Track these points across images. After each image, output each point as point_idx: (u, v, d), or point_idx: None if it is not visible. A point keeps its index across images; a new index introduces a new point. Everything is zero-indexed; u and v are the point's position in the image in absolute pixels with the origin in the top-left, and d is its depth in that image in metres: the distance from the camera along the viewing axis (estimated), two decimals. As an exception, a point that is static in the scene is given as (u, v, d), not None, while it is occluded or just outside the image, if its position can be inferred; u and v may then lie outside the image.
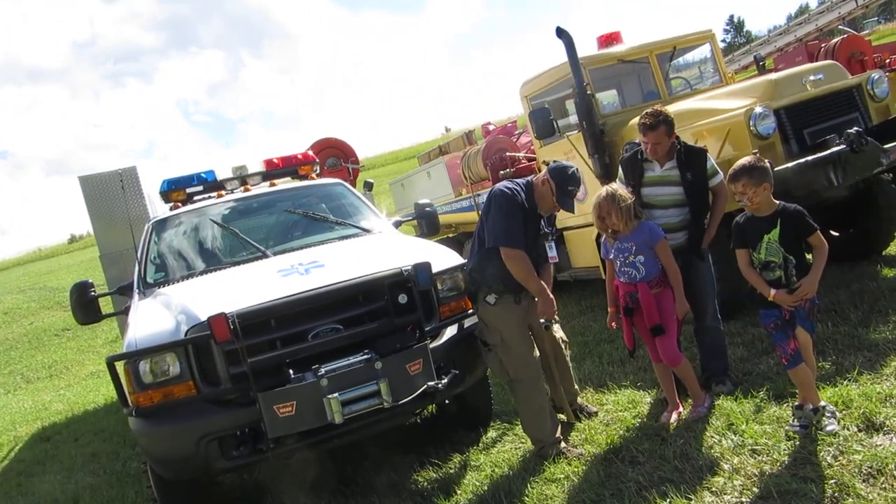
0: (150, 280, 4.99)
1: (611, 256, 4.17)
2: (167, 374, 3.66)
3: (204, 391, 3.66)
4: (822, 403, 3.43)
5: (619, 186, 4.17)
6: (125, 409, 3.72)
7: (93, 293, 5.03)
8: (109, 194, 7.47)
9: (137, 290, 4.90)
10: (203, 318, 3.59)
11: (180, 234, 5.35)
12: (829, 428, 3.29)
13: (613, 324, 4.27)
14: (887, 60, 10.09)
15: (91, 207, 7.56)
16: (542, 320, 4.17)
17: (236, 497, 4.78)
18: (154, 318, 4.03)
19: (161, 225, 5.50)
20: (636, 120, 4.89)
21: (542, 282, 4.05)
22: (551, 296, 4.04)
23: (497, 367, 4.06)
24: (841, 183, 4.95)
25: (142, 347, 3.67)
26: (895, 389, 3.55)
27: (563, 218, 7.69)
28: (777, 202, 3.53)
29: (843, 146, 4.96)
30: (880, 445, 3.08)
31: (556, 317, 4.36)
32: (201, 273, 4.83)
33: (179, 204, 5.89)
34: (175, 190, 5.95)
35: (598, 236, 6.80)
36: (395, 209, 12.55)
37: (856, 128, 5.04)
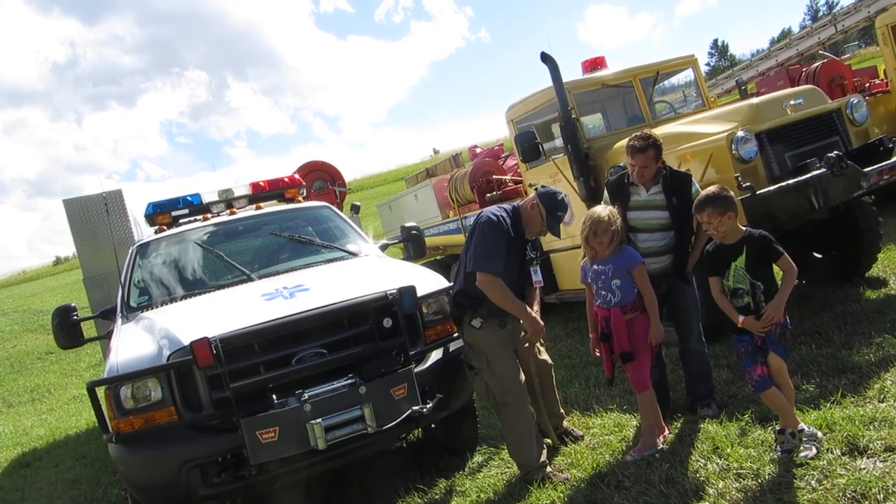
0: (133, 304, 4.95)
1: (588, 280, 4.15)
2: (148, 399, 3.62)
3: (186, 417, 3.62)
4: (801, 427, 3.44)
5: (613, 209, 4.14)
6: (105, 436, 3.68)
7: (75, 317, 4.98)
8: (94, 217, 7.43)
9: (120, 315, 4.86)
10: (185, 342, 3.56)
11: (164, 258, 5.32)
12: (803, 454, 3.29)
13: (597, 351, 4.19)
14: (867, 84, 10.26)
15: (75, 230, 7.52)
16: (525, 345, 4.16)
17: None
18: (136, 342, 3.99)
19: (145, 248, 5.47)
20: (621, 143, 4.94)
21: (526, 304, 4.05)
22: (536, 317, 4.04)
23: (483, 391, 4.04)
24: (822, 206, 5.01)
25: (123, 373, 3.63)
26: (878, 412, 3.56)
27: (549, 241, 7.75)
28: (744, 229, 3.57)
29: (823, 170, 5.03)
30: (864, 469, 3.09)
31: (541, 339, 4.36)
32: (185, 297, 4.80)
33: (164, 227, 5.87)
34: (160, 213, 5.92)
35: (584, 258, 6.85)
36: (382, 231, 12.56)
37: (836, 151, 5.11)
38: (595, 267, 4.05)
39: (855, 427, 3.45)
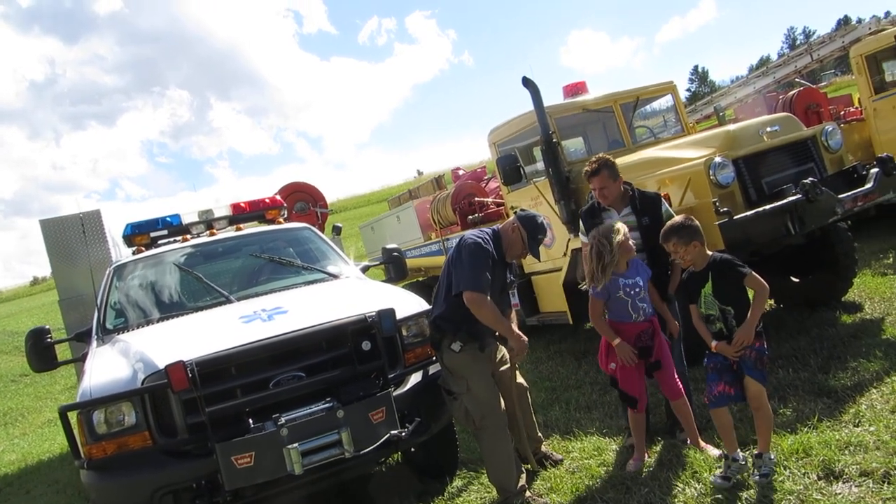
0: (109, 326, 4.88)
1: (618, 295, 4.00)
2: (122, 424, 3.56)
3: (160, 442, 3.56)
4: (735, 455, 3.53)
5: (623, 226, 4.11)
6: (77, 462, 3.60)
7: (49, 339, 4.90)
8: (70, 238, 7.34)
9: (96, 337, 4.79)
10: (160, 366, 3.51)
11: (141, 280, 5.27)
12: (714, 480, 3.45)
13: (612, 366, 4.04)
14: (842, 112, 10.47)
15: (51, 251, 7.41)
16: (503, 367, 4.16)
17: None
18: (110, 365, 3.94)
19: (122, 270, 5.41)
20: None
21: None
22: (523, 336, 4.05)
23: (462, 415, 4.02)
24: (798, 231, 5.07)
25: (96, 396, 3.57)
26: (853, 437, 3.59)
27: (531, 263, 7.79)
28: (710, 255, 3.62)
29: (799, 196, 5.10)
30: (839, 494, 3.10)
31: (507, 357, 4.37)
32: (161, 319, 4.74)
33: (143, 248, 5.81)
34: (139, 234, 5.88)
35: (568, 282, 6.87)
36: (365, 252, 12.54)
37: (811, 178, 5.20)
38: (625, 281, 3.98)
39: (831, 452, 3.47)
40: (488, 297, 3.86)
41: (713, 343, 3.58)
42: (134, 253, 5.87)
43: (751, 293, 3.62)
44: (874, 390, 4.17)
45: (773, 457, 3.48)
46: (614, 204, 4.54)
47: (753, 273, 3.53)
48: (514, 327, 4.15)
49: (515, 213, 4.26)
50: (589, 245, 4.10)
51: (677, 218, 3.73)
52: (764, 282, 3.53)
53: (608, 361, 4.08)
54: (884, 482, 3.11)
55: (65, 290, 7.38)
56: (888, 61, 9.53)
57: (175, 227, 5.98)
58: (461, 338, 3.96)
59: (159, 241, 6.02)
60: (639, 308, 3.99)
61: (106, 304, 5.09)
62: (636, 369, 4.01)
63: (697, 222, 3.70)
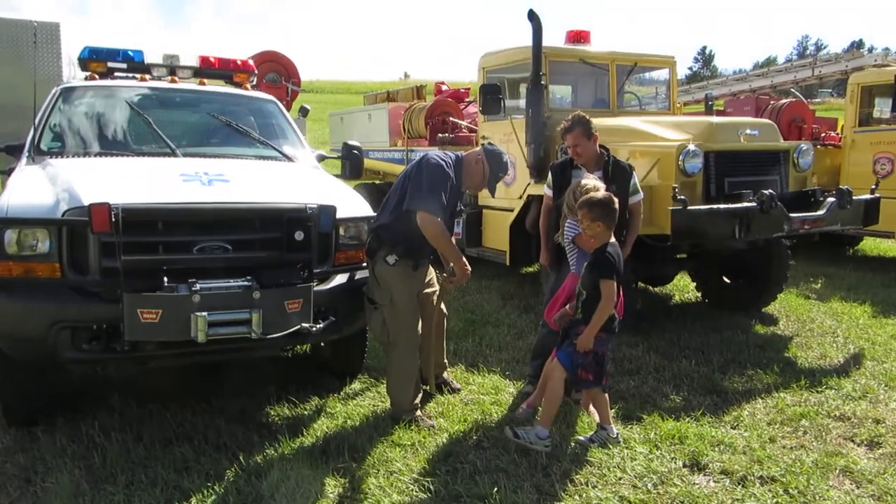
0: (43, 147, 4.69)
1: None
2: (34, 249, 3.47)
3: (69, 277, 3.50)
4: (610, 427, 3.78)
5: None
6: (-22, 276, 3.51)
7: None
8: (20, 44, 6.89)
9: (27, 155, 4.60)
10: (85, 202, 3.41)
11: (89, 108, 5.05)
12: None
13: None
14: (822, 134, 10.60)
15: (-2, 52, 6.98)
16: (429, 290, 4.22)
17: (82, 390, 4.63)
18: (35, 188, 3.81)
19: (70, 92, 5.16)
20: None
21: None
22: (468, 265, 4.09)
23: (378, 327, 4.07)
24: (743, 238, 5.21)
25: (12, 216, 3.47)
26: (727, 437, 3.82)
27: (485, 197, 7.79)
28: (606, 242, 3.68)
29: (754, 204, 5.21)
30: (697, 485, 3.32)
31: (438, 288, 4.43)
32: (100, 154, 4.59)
33: (97, 76, 5.54)
34: (96, 60, 5.59)
35: (515, 223, 6.92)
36: (329, 140, 12.31)
37: (770, 190, 5.29)
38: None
39: (703, 445, 3.68)
40: (440, 220, 3.87)
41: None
42: (87, 79, 5.60)
43: None
44: (760, 401, 4.41)
45: (615, 433, 3.74)
46: (587, 164, 4.56)
47: (610, 282, 3.58)
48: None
49: (483, 145, 4.23)
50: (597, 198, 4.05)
51: (600, 193, 3.75)
52: (612, 295, 3.58)
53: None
54: (739, 484, 3.34)
55: (4, 96, 6.98)
56: (881, 97, 9.62)
57: (136, 64, 5.70)
58: (398, 252, 3.97)
59: (116, 74, 5.74)
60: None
61: (45, 124, 4.87)
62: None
63: (616, 205, 3.71)
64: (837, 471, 3.49)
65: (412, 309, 4.09)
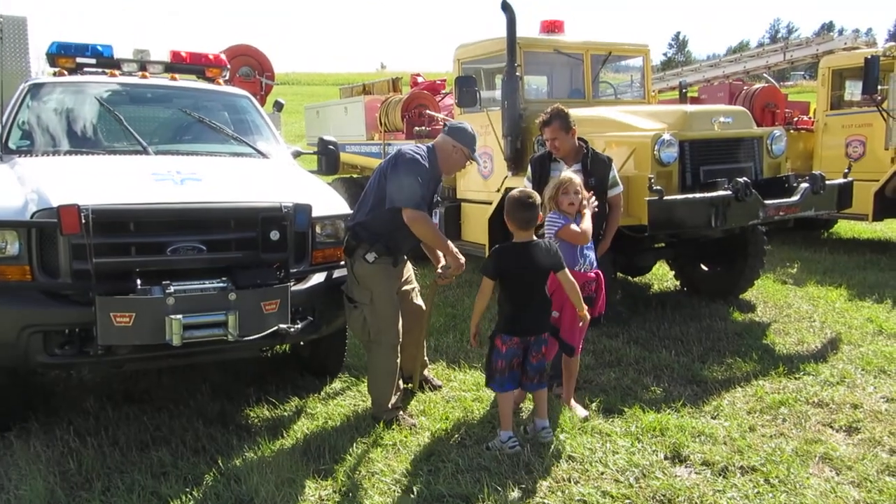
0: (11, 146, 4.58)
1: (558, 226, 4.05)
2: (3, 252, 3.39)
3: (40, 280, 3.42)
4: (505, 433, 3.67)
5: (578, 181, 4.08)
6: (-56, 279, 3.42)
7: None
8: (-14, 40, 6.73)
9: (-6, 153, 4.49)
10: (54, 203, 3.33)
11: (58, 105, 4.92)
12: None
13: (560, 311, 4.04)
14: (795, 118, 10.71)
15: (-36, 48, 6.80)
16: (409, 286, 4.20)
17: (56, 392, 4.55)
18: (3, 188, 3.72)
19: (38, 89, 5.02)
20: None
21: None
22: (461, 255, 4.06)
23: (359, 326, 4.03)
24: (719, 226, 5.23)
25: (-21, 218, 3.37)
26: (707, 427, 3.84)
27: (464, 190, 7.77)
28: (518, 241, 3.68)
29: (729, 192, 5.23)
30: (678, 476, 3.33)
31: (417, 284, 4.41)
32: (70, 153, 4.49)
33: (65, 72, 5.41)
34: (64, 56, 5.45)
35: (493, 216, 6.90)
36: (304, 134, 12.19)
37: (744, 178, 5.32)
38: (575, 227, 3.98)
39: (684, 436, 3.70)
40: (426, 214, 3.85)
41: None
42: (55, 74, 5.46)
43: None
44: (739, 389, 4.44)
45: (545, 424, 3.75)
46: (566, 157, 4.56)
47: (485, 278, 3.64)
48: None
49: (445, 129, 4.16)
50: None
51: (515, 191, 3.72)
52: (482, 292, 3.65)
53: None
54: (720, 475, 3.35)
55: (-28, 93, 6.82)
56: (852, 80, 9.73)
57: (105, 59, 5.57)
58: (377, 249, 3.93)
59: (85, 69, 5.60)
60: (585, 256, 4.08)
61: (13, 121, 4.75)
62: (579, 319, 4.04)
63: (535, 202, 3.65)
64: (817, 458, 3.53)
65: (393, 306, 4.06)
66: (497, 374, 3.65)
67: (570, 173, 4.14)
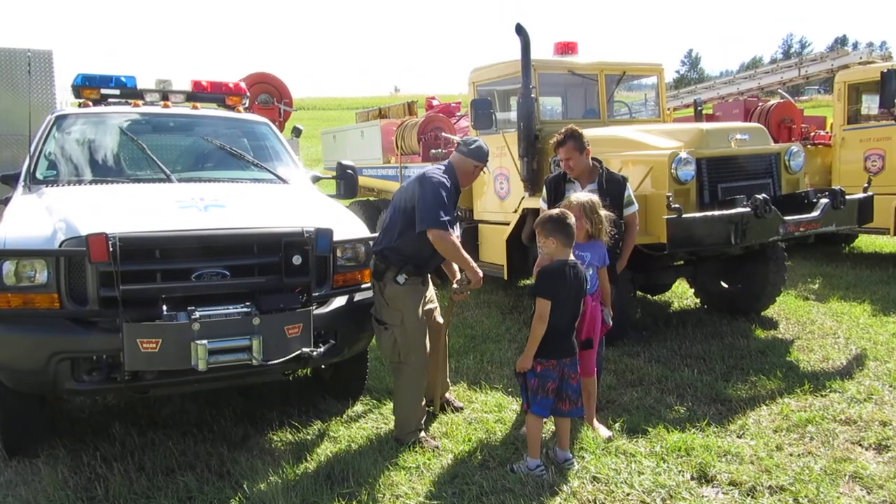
0: (39, 176, 4.69)
1: None
2: (32, 280, 3.45)
3: (68, 307, 3.48)
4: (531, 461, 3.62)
5: (597, 200, 4.08)
6: (-23, 308, 3.49)
7: None
8: (13, 73, 6.91)
9: (23, 184, 4.60)
10: (83, 232, 3.41)
11: (82, 135, 5.04)
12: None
13: None
14: (812, 133, 10.66)
15: (-6, 81, 7.00)
16: (432, 305, 4.28)
17: (83, 418, 4.60)
18: (32, 218, 3.81)
19: (64, 120, 5.15)
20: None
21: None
22: (479, 270, 4.08)
23: (390, 347, 4.05)
24: (739, 243, 5.22)
25: (10, 248, 3.46)
26: (733, 447, 3.80)
27: (481, 211, 7.80)
28: (563, 259, 3.62)
29: (748, 209, 5.22)
30: (706, 497, 3.30)
31: (437, 304, 4.43)
32: (95, 182, 4.59)
33: (90, 103, 5.54)
34: (89, 87, 5.61)
35: (511, 237, 6.92)
36: (322, 158, 12.31)
37: (763, 194, 5.31)
38: (577, 252, 3.96)
39: (710, 456, 3.66)
40: (450, 234, 3.91)
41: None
42: (80, 105, 5.60)
43: None
44: (765, 407, 4.39)
45: (568, 456, 3.68)
46: (580, 177, 4.58)
47: (542, 300, 3.54)
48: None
49: (461, 149, 4.20)
50: (577, 204, 4.02)
51: (556, 211, 3.70)
52: (543, 314, 3.53)
53: None
54: (748, 495, 3.32)
55: (0, 125, 7.00)
56: (868, 94, 9.69)
57: (129, 90, 5.71)
58: (407, 271, 3.98)
59: (109, 100, 5.75)
60: (594, 280, 4.08)
61: (40, 152, 4.87)
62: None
63: (572, 221, 3.64)
64: (847, 477, 3.48)
65: (422, 327, 4.09)
66: (530, 392, 3.61)
67: (583, 195, 4.14)
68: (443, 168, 4.15)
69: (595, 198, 4.08)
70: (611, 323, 4.24)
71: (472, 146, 4.18)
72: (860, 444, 3.88)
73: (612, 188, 4.53)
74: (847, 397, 4.52)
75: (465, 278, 4.12)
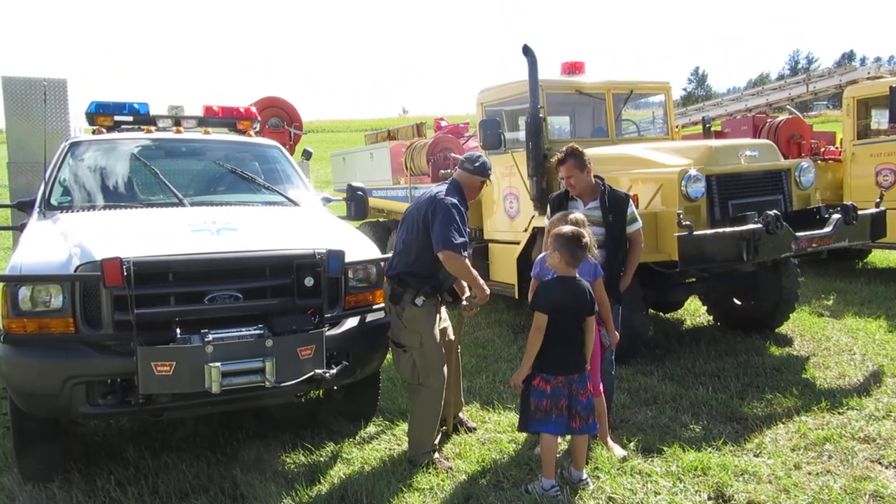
0: (53, 202, 4.74)
1: (547, 278, 4.03)
2: (47, 305, 3.49)
3: (83, 332, 3.51)
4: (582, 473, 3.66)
5: (583, 219, 4.07)
6: (-6, 331, 3.53)
7: None
8: (31, 102, 7.03)
9: (38, 210, 4.65)
10: (97, 257, 3.44)
11: (96, 162, 5.11)
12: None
13: None
14: (822, 149, 10.63)
15: (9, 110, 7.12)
16: (445, 324, 4.29)
17: (97, 441, 4.61)
18: (47, 244, 3.85)
19: (78, 147, 5.22)
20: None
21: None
22: (486, 287, 4.09)
23: (409, 369, 4.05)
24: (751, 260, 5.19)
25: (26, 273, 3.50)
26: (750, 466, 3.76)
27: (490, 231, 7.82)
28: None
29: (760, 225, 5.21)
30: (723, 517, 3.26)
31: (449, 322, 4.42)
32: (109, 207, 4.64)
33: (104, 130, 5.62)
34: (102, 114, 5.69)
35: (521, 256, 6.93)
36: (331, 180, 12.39)
37: (775, 210, 5.29)
38: None
39: (727, 476, 3.62)
40: (462, 255, 3.93)
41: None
42: (94, 132, 5.68)
43: None
44: (781, 425, 4.35)
45: (583, 476, 3.66)
46: (582, 195, 4.58)
47: (539, 314, 3.58)
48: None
49: (466, 166, 4.25)
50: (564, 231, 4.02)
51: (570, 229, 3.68)
52: (538, 328, 3.57)
53: None
54: (766, 514, 3.28)
55: (16, 153, 7.10)
56: (877, 109, 9.67)
57: (141, 116, 5.79)
58: (425, 292, 4.00)
59: (122, 127, 5.82)
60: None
61: (55, 178, 4.93)
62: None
63: (586, 241, 3.64)
64: (867, 496, 3.43)
65: (440, 350, 4.10)
66: (540, 412, 3.57)
67: (578, 214, 4.12)
68: (452, 186, 4.17)
69: (580, 216, 4.07)
70: (608, 343, 4.17)
71: (477, 163, 4.23)
72: (880, 463, 3.82)
73: (615, 205, 4.52)
74: (865, 415, 4.47)
75: (474, 294, 4.14)
